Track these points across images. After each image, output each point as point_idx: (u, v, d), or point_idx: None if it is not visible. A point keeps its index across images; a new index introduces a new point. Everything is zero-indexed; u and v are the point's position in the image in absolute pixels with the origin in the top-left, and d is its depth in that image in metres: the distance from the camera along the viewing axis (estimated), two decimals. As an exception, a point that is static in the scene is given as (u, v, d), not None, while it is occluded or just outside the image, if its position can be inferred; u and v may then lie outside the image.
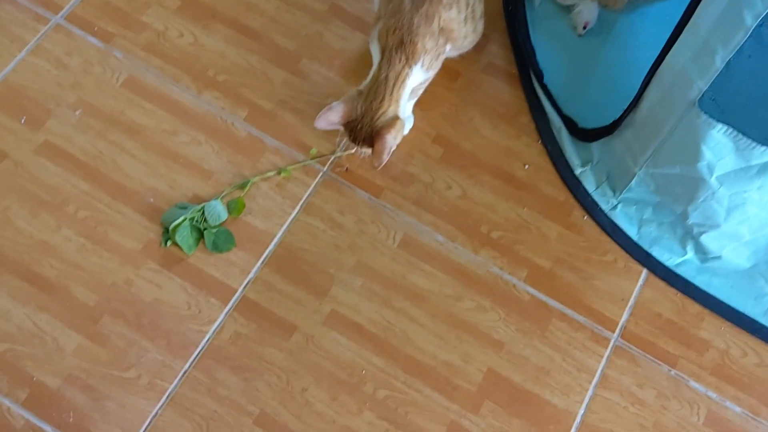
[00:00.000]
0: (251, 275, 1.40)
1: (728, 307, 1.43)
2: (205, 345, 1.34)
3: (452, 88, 1.58)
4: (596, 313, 1.41)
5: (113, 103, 1.51)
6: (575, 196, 1.51)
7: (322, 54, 1.60)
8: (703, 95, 1.21)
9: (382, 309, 1.39)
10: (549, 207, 1.49)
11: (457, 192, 1.49)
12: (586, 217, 1.49)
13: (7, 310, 1.34)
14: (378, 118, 1.37)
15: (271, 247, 1.42)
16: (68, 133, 1.48)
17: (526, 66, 1.60)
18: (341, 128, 1.41)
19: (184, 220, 1.39)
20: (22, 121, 1.49)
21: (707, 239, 1.43)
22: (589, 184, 1.51)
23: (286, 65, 1.58)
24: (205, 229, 1.41)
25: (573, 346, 1.38)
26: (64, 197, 1.43)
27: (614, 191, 1.49)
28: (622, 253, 1.46)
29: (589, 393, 1.35)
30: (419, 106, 1.53)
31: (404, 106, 1.41)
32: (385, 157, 1.36)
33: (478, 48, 1.58)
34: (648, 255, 1.46)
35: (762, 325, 1.41)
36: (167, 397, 1.30)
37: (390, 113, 1.38)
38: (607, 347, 1.38)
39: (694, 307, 1.42)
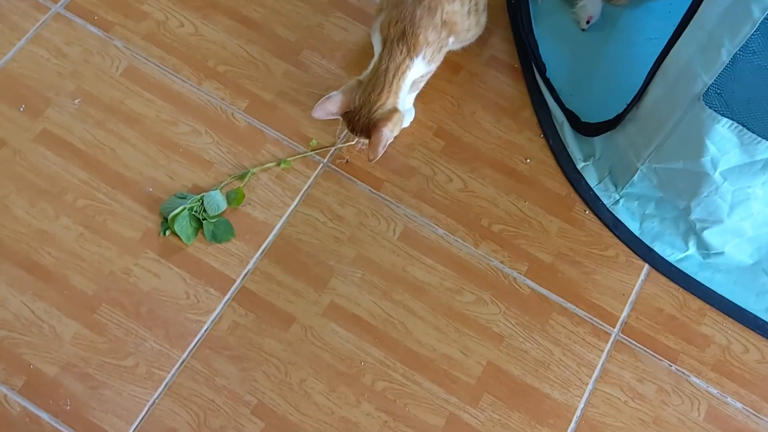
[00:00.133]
0: (250, 266, 1.43)
1: (730, 303, 1.46)
2: (203, 335, 1.37)
3: (454, 82, 1.62)
4: (597, 308, 1.44)
5: (113, 92, 1.55)
6: (577, 191, 1.54)
7: (323, 45, 1.63)
8: (708, 89, 1.24)
9: (381, 301, 1.42)
10: (550, 201, 1.52)
11: (458, 185, 1.52)
12: (587, 212, 1.52)
13: (5, 298, 1.37)
14: (376, 110, 1.39)
15: (270, 238, 1.45)
16: (67, 122, 1.52)
17: (528, 60, 1.64)
18: (339, 118, 1.44)
19: (183, 210, 1.43)
20: (21, 109, 1.52)
21: (710, 235, 1.46)
22: (591, 178, 1.54)
23: (286, 56, 1.62)
24: (204, 219, 1.44)
25: (573, 340, 1.41)
26: (62, 186, 1.46)
27: (616, 186, 1.52)
28: (624, 248, 1.49)
29: (589, 387, 1.38)
30: (421, 99, 1.56)
31: (403, 98, 1.44)
32: (381, 150, 1.39)
33: (481, 41, 1.61)
34: (650, 250, 1.49)
35: (764, 322, 1.44)
36: (165, 386, 1.34)
37: (388, 105, 1.40)
38: (607, 342, 1.41)
39: (695, 303, 1.46)
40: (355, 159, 1.53)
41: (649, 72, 1.37)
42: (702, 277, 1.48)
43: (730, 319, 1.45)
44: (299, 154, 1.53)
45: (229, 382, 1.34)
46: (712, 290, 1.47)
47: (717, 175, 1.34)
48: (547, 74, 1.61)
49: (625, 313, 1.44)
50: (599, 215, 1.52)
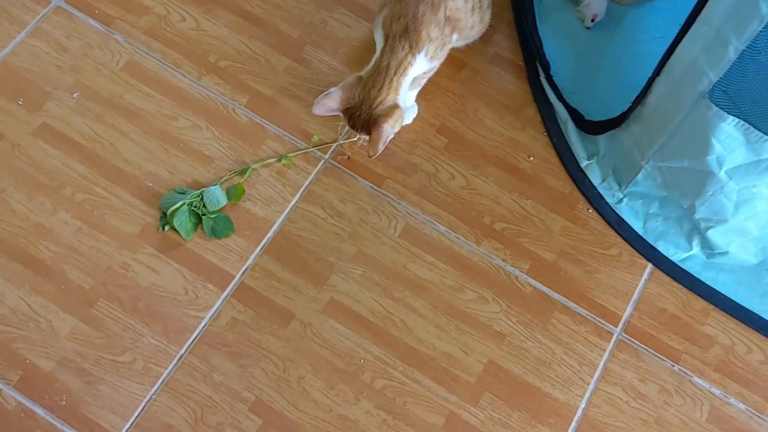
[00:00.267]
0: (249, 262, 1.43)
1: (734, 303, 1.46)
2: (201, 330, 1.38)
3: (457, 79, 1.62)
4: (599, 307, 1.44)
5: (112, 86, 1.56)
6: (580, 189, 1.54)
7: (325, 42, 1.64)
8: (714, 87, 1.24)
9: (381, 298, 1.42)
10: (553, 199, 1.52)
11: (460, 182, 1.53)
12: (591, 210, 1.52)
13: (2, 293, 1.38)
14: (376, 107, 1.39)
15: (270, 234, 1.46)
16: (66, 116, 1.52)
17: (532, 58, 1.64)
18: (340, 115, 1.44)
19: (182, 205, 1.43)
20: (20, 102, 1.53)
21: (714, 234, 1.46)
22: (594, 177, 1.54)
23: (289, 52, 1.62)
24: (203, 214, 1.44)
25: (575, 339, 1.41)
26: (61, 180, 1.47)
27: (620, 185, 1.53)
28: (627, 247, 1.50)
29: (591, 387, 1.38)
30: (423, 96, 1.57)
31: (404, 95, 1.44)
32: (381, 147, 1.39)
33: (485, 39, 1.62)
34: (653, 249, 1.50)
35: (768, 322, 1.45)
36: (162, 382, 1.34)
37: (389, 102, 1.40)
38: (609, 341, 1.42)
39: (699, 303, 1.46)
40: (357, 155, 1.54)
41: (655, 69, 1.36)
42: (706, 276, 1.48)
43: (734, 320, 1.45)
44: (300, 149, 1.53)
45: (226, 379, 1.35)
46: (716, 290, 1.47)
47: (722, 174, 1.34)
48: (551, 72, 1.61)
49: (627, 313, 1.44)
50: (602, 214, 1.52)
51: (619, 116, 1.49)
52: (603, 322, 1.43)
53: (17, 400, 1.31)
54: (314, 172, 1.52)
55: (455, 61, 1.62)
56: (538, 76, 1.63)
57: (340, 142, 1.54)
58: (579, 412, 1.36)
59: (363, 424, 1.33)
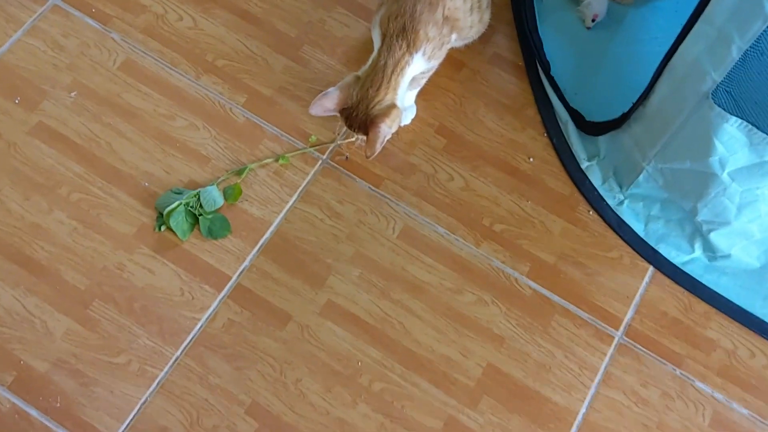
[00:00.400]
0: (246, 263, 1.42)
1: (736, 306, 1.44)
2: (197, 332, 1.36)
3: (456, 79, 1.60)
4: (600, 310, 1.42)
5: (109, 85, 1.54)
6: (581, 191, 1.52)
7: (324, 41, 1.62)
8: (717, 87, 1.22)
9: (379, 300, 1.40)
10: (554, 201, 1.50)
11: (459, 183, 1.51)
12: (591, 212, 1.50)
13: (-4, 293, 1.36)
14: (374, 106, 1.37)
15: (267, 234, 1.44)
16: (63, 115, 1.51)
17: (532, 58, 1.63)
18: (337, 115, 1.42)
19: (179, 206, 1.41)
20: (17, 101, 1.51)
21: (716, 237, 1.44)
22: (595, 178, 1.52)
23: (287, 52, 1.60)
24: (200, 215, 1.43)
25: (576, 343, 1.39)
26: (57, 180, 1.45)
27: (621, 186, 1.51)
28: (628, 249, 1.48)
29: (592, 391, 1.36)
30: (422, 97, 1.55)
31: (402, 95, 1.42)
32: (378, 147, 1.37)
33: (484, 38, 1.60)
34: (655, 252, 1.48)
35: (771, 326, 1.43)
36: (157, 384, 1.32)
37: (386, 101, 1.38)
38: (610, 345, 1.40)
39: (701, 306, 1.44)
40: (355, 156, 1.52)
41: (656, 70, 1.35)
42: (708, 280, 1.46)
43: (737, 323, 1.43)
44: (298, 150, 1.51)
45: (222, 381, 1.33)
46: (718, 294, 1.45)
47: (725, 176, 1.32)
48: (552, 72, 1.59)
49: (629, 316, 1.42)
50: (603, 216, 1.50)
51: (620, 117, 1.47)
52: (604, 325, 1.41)
53: (11, 401, 1.29)
54: (312, 173, 1.50)
55: (454, 61, 1.60)
56: (539, 76, 1.61)
57: (338, 142, 1.53)
58: (579, 417, 1.34)
59: (360, 428, 1.31)
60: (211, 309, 1.38)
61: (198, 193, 1.44)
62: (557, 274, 1.44)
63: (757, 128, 1.23)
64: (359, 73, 1.41)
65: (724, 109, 1.23)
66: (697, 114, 1.28)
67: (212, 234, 1.42)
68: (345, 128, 1.45)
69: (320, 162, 1.51)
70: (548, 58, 1.60)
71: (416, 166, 1.52)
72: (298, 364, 1.35)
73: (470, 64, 1.62)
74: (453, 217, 1.48)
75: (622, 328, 1.41)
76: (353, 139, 1.50)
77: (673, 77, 1.32)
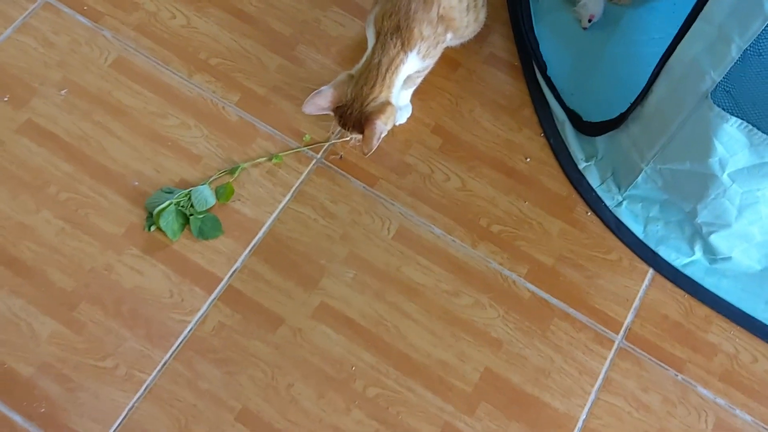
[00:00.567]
0: (238, 264, 1.31)
1: (738, 310, 1.34)
2: (186, 335, 1.25)
3: (452, 79, 1.50)
4: (600, 314, 1.32)
5: (100, 83, 1.43)
6: (579, 192, 1.42)
7: (318, 40, 1.52)
8: (716, 87, 1.14)
9: (374, 303, 1.30)
10: (551, 202, 1.40)
11: (455, 184, 1.40)
12: (589, 213, 1.40)
13: (-21, 294, 1.25)
14: (368, 104, 1.29)
15: (259, 235, 1.33)
16: (53, 113, 1.40)
17: (529, 57, 1.53)
18: (331, 113, 1.33)
19: (169, 205, 1.31)
20: (6, 99, 1.40)
21: (717, 239, 1.34)
22: (593, 179, 1.43)
23: (281, 51, 1.50)
24: (191, 214, 1.32)
25: (575, 347, 1.29)
26: (45, 178, 1.34)
27: (619, 187, 1.41)
28: (627, 251, 1.37)
29: (592, 397, 1.26)
30: (418, 96, 1.45)
31: (397, 93, 1.33)
32: (375, 143, 1.28)
33: (480, 38, 1.50)
34: (654, 254, 1.38)
35: (773, 330, 1.33)
36: (145, 389, 1.21)
37: (381, 99, 1.30)
38: (610, 349, 1.29)
39: (702, 310, 1.34)
40: (350, 155, 1.41)
41: (654, 69, 1.26)
42: (708, 283, 1.36)
43: (738, 327, 1.32)
44: (292, 149, 1.41)
45: (212, 386, 1.22)
46: (719, 297, 1.35)
47: (725, 177, 1.23)
48: (548, 73, 1.49)
49: (629, 320, 1.32)
50: (602, 217, 1.40)
51: (618, 117, 1.38)
52: (603, 329, 1.31)
53: (-8, 407, 1.18)
54: (306, 172, 1.39)
55: (450, 61, 1.50)
56: (535, 76, 1.51)
57: (333, 141, 1.42)
58: (579, 423, 1.24)
59: (354, 435, 1.21)
60: (201, 311, 1.27)
61: (189, 193, 1.33)
62: (556, 277, 1.34)
63: (758, 129, 1.15)
64: (352, 71, 1.32)
65: (723, 109, 1.15)
66: (696, 114, 1.19)
67: (203, 234, 1.32)
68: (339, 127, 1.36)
69: (314, 161, 1.41)
70: (545, 59, 1.51)
71: (412, 166, 1.41)
72: (290, 368, 1.24)
73: (466, 63, 1.52)
74: (449, 218, 1.37)
75: (622, 332, 1.31)
76: (348, 138, 1.40)
77: (671, 77, 1.23)
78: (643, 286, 1.35)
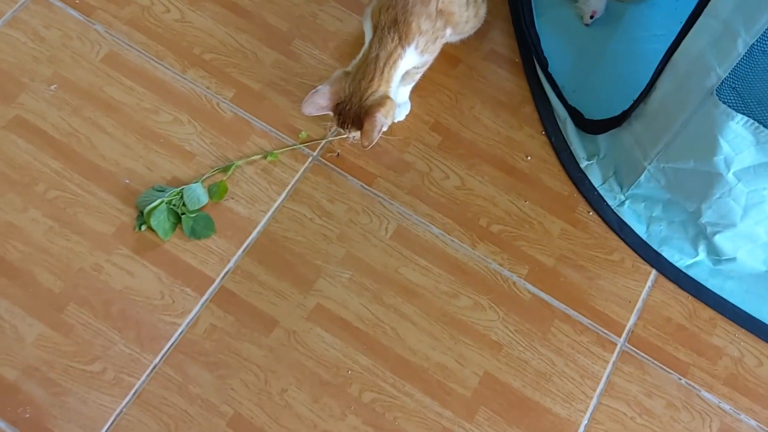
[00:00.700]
0: (231, 264, 1.23)
1: (743, 312, 1.26)
2: (177, 338, 1.17)
3: (452, 75, 1.42)
4: (602, 316, 1.24)
5: (91, 78, 1.35)
6: (580, 191, 1.34)
7: (315, 35, 1.43)
8: (722, 83, 1.08)
9: (371, 304, 1.22)
10: (552, 201, 1.32)
11: (455, 182, 1.32)
12: (591, 213, 1.32)
13: (-36, 295, 1.17)
14: (367, 98, 1.21)
15: (253, 234, 1.25)
16: (42, 109, 1.31)
17: (530, 54, 1.45)
18: (331, 113, 1.25)
19: (160, 203, 1.22)
20: (-7, 94, 1.32)
21: (721, 240, 1.27)
22: (595, 178, 1.35)
23: (277, 46, 1.42)
24: (183, 213, 1.24)
25: (576, 350, 1.21)
26: (33, 176, 1.26)
27: (622, 186, 1.33)
28: (630, 252, 1.30)
29: (594, 401, 1.18)
30: (417, 93, 1.37)
31: (395, 88, 1.26)
32: (376, 136, 1.20)
33: (480, 34, 1.42)
34: (657, 255, 1.30)
35: (779, 333, 1.25)
36: (134, 393, 1.13)
37: (380, 93, 1.22)
38: (613, 352, 1.21)
39: (706, 312, 1.26)
40: (347, 153, 1.33)
41: (658, 65, 1.19)
42: (712, 284, 1.28)
43: (743, 330, 1.25)
44: (287, 146, 1.33)
45: (203, 391, 1.14)
46: (724, 299, 1.27)
47: (730, 176, 1.16)
48: (549, 69, 1.41)
49: (631, 322, 1.24)
50: (604, 217, 1.32)
51: (620, 115, 1.30)
52: (606, 331, 1.23)
53: (-24, 412, 1.10)
54: (301, 170, 1.31)
55: (450, 57, 1.42)
56: (536, 73, 1.43)
57: (329, 138, 1.34)
58: (581, 429, 1.16)
59: (350, 441, 1.13)
60: (193, 313, 1.19)
61: (181, 191, 1.25)
62: (557, 278, 1.26)
63: (764, 126, 1.08)
64: (348, 68, 1.25)
65: (729, 106, 1.08)
66: (701, 111, 1.12)
67: (195, 234, 1.23)
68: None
69: (310, 159, 1.32)
70: (546, 55, 1.43)
71: (410, 164, 1.33)
72: (283, 372, 1.16)
73: (466, 60, 1.43)
74: (448, 217, 1.29)
75: (624, 335, 1.23)
76: (345, 136, 1.31)
77: (675, 73, 1.16)
78: (646, 288, 1.27)
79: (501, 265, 1.26)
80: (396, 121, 1.34)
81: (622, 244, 1.30)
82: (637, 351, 1.22)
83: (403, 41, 1.22)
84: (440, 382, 1.17)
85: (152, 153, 1.29)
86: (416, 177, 1.32)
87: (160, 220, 1.22)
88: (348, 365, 1.17)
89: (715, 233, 1.27)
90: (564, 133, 1.39)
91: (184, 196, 1.24)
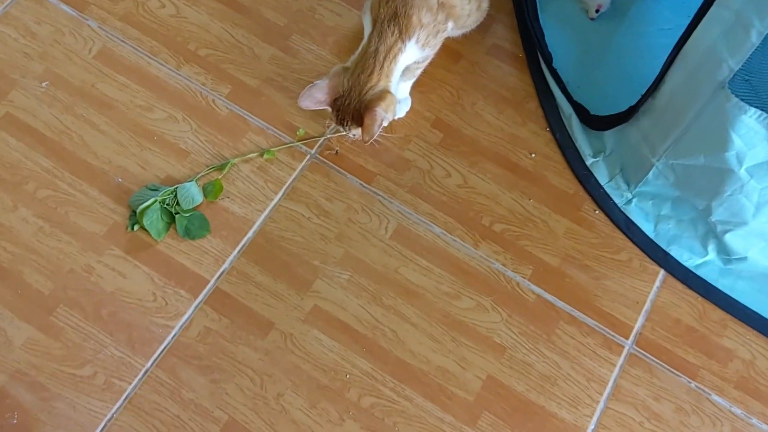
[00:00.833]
0: (226, 265, 1.18)
1: (754, 313, 1.21)
2: (170, 341, 1.12)
3: (454, 71, 1.37)
4: (608, 317, 1.19)
5: (84, 75, 1.30)
6: (586, 189, 1.29)
7: (314, 30, 1.39)
8: (734, 76, 1.03)
9: (370, 306, 1.17)
10: (557, 199, 1.27)
11: (456, 180, 1.27)
12: (597, 212, 1.27)
13: (-49, 297, 1.12)
14: (367, 92, 1.17)
15: (249, 234, 1.20)
16: (33, 106, 1.27)
17: (533, 49, 1.40)
18: (328, 109, 1.20)
19: (153, 203, 1.18)
20: (-16, 91, 1.28)
21: (732, 238, 1.21)
22: (601, 175, 1.30)
23: (274, 41, 1.37)
24: (176, 213, 1.19)
25: (582, 352, 1.16)
26: (23, 175, 1.22)
27: (629, 184, 1.28)
28: (637, 251, 1.24)
29: (600, 406, 1.13)
30: (418, 88, 1.32)
31: (395, 83, 1.21)
32: (376, 130, 1.16)
33: (483, 28, 1.38)
34: (666, 254, 1.25)
35: (792, 335, 1.19)
36: (125, 398, 1.08)
37: (380, 87, 1.18)
38: (620, 355, 1.16)
39: (716, 313, 1.20)
40: (346, 150, 1.28)
41: (668, 58, 1.14)
42: (723, 284, 1.23)
43: (754, 331, 1.19)
44: (285, 144, 1.28)
45: (197, 396, 1.09)
46: (734, 299, 1.22)
47: (742, 172, 1.11)
48: (554, 64, 1.36)
49: (639, 324, 1.19)
50: (610, 215, 1.27)
51: (628, 110, 1.25)
52: (613, 333, 1.17)
53: (-38, 418, 1.06)
54: (299, 168, 1.26)
55: (451, 52, 1.37)
56: (540, 68, 1.38)
57: (328, 135, 1.29)
58: (588, 435, 1.11)
59: (348, 448, 1.08)
60: (186, 316, 1.14)
61: (175, 190, 1.20)
62: (562, 278, 1.21)
63: (779, 120, 1.03)
64: (347, 64, 1.21)
65: (741, 100, 1.04)
66: (712, 105, 1.07)
67: (189, 234, 1.19)
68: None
69: (308, 157, 1.27)
70: (550, 50, 1.38)
71: (411, 162, 1.28)
72: (280, 376, 1.11)
73: (468, 54, 1.38)
74: (450, 216, 1.24)
75: (632, 337, 1.18)
76: (344, 133, 1.26)
77: (685, 66, 1.11)
78: (654, 288, 1.21)
79: (504, 265, 1.21)
80: (396, 117, 1.30)
81: (630, 243, 1.25)
82: (645, 353, 1.16)
83: (404, 35, 1.18)
84: (441, 386, 1.12)
85: (146, 151, 1.24)
86: (417, 175, 1.27)
87: (153, 219, 1.18)
88: (346, 369, 1.12)
89: (725, 231, 1.21)
90: (569, 130, 1.33)
91: (178, 195, 1.20)
